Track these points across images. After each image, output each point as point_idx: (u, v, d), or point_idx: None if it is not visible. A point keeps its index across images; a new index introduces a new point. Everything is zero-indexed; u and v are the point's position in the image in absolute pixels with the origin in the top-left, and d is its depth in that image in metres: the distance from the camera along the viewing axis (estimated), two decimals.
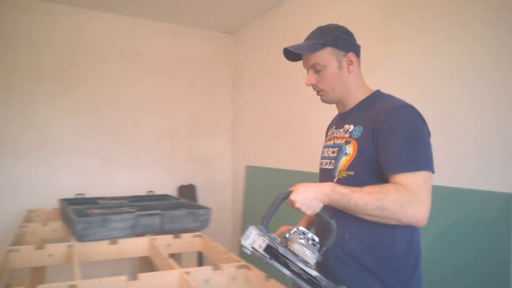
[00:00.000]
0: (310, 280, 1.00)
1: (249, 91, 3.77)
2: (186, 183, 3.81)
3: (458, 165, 1.75)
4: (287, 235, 1.04)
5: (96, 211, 2.14)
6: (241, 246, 1.01)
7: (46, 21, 3.22)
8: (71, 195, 3.16)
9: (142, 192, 3.53)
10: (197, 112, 3.89)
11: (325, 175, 1.28)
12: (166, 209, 2.38)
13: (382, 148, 1.11)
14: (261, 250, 1.01)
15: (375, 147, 1.12)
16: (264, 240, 1.02)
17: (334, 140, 1.30)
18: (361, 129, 1.19)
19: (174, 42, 3.78)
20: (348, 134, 1.23)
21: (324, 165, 1.31)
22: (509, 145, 1.59)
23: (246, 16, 3.54)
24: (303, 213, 1.06)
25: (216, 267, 1.57)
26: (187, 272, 1.50)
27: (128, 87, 3.54)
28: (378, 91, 1.28)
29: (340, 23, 1.30)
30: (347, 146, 1.20)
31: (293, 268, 1.00)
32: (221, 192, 4.03)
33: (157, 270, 1.77)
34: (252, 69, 3.72)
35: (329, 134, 1.39)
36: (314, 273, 0.99)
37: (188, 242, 2.13)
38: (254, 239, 1.02)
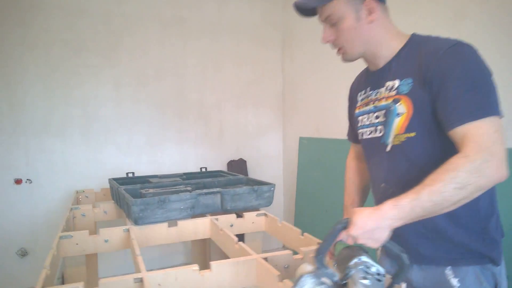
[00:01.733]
0: None
1: (301, 57, 3.44)
2: (235, 157, 3.59)
3: None
4: (347, 271, 0.87)
5: (150, 190, 1.94)
6: None
7: None
8: (118, 173, 3.02)
9: (190, 168, 3.35)
10: (245, 81, 3.62)
11: (373, 146, 1.12)
12: (223, 186, 2.17)
13: (439, 97, 0.93)
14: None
15: (432, 98, 0.95)
16: (319, 282, 0.88)
17: (373, 103, 1.12)
18: (411, 81, 1.00)
19: (218, 5, 3.48)
20: (395, 91, 1.04)
21: (369, 134, 1.14)
22: None
23: None
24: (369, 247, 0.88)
25: (296, 252, 1.33)
26: (265, 258, 1.27)
27: (172, 56, 3.30)
28: (415, 35, 1.07)
29: None
30: (398, 105, 1.01)
31: None
32: (272, 165, 3.78)
33: (224, 255, 1.56)
34: (304, 32, 3.38)
35: (360, 98, 1.20)
36: None
37: (252, 221, 1.91)
38: (308, 282, 0.88)
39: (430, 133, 0.97)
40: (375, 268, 0.87)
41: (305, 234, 1.55)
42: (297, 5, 1.09)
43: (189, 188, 2.02)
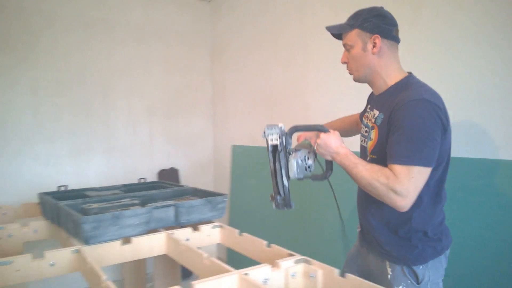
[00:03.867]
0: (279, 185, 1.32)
1: (232, 64, 3.46)
2: (167, 166, 3.46)
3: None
4: (297, 148, 1.36)
5: (94, 205, 1.78)
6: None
7: None
8: (37, 187, 2.71)
9: (118, 179, 3.15)
10: (174, 88, 3.53)
11: (363, 153, 1.43)
12: (170, 198, 2.08)
13: (389, 138, 1.24)
14: (269, 144, 1.29)
15: (388, 136, 1.25)
16: (277, 139, 1.28)
17: (367, 120, 1.42)
18: (383, 117, 1.29)
19: (145, 8, 3.35)
20: (374, 120, 1.34)
21: (362, 142, 1.45)
22: None
23: None
24: (315, 151, 1.35)
25: (274, 265, 1.34)
26: (246, 274, 1.25)
27: (98, 60, 3.08)
28: (409, 76, 1.33)
29: None
30: (372, 131, 1.34)
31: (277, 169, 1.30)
32: (204, 174, 3.73)
33: (193, 273, 1.50)
34: (234, 40, 3.40)
35: (366, 111, 1.47)
36: (286, 182, 1.32)
37: (208, 234, 1.86)
38: (273, 133, 1.29)
39: (384, 160, 1.25)
40: (311, 161, 1.34)
41: (273, 245, 1.55)
42: (328, 29, 1.39)
43: (136, 201, 1.90)
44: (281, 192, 1.34)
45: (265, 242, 1.59)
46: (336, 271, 1.25)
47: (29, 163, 2.79)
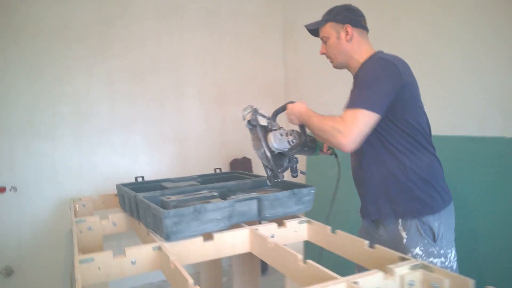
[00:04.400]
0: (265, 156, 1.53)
1: (304, 48, 3.21)
2: (239, 156, 3.33)
3: None
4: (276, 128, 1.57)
5: (172, 198, 1.67)
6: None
7: None
8: (113, 177, 2.72)
9: (191, 169, 3.07)
10: (246, 74, 3.36)
11: None
12: (250, 189, 1.92)
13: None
14: (245, 120, 1.56)
15: None
16: (250, 116, 1.55)
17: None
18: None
19: None
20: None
21: None
22: None
23: None
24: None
25: (387, 271, 1.11)
26: (355, 282, 1.04)
27: (170, 47, 3.01)
28: (377, 51, 1.48)
29: None
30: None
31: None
32: None
33: (284, 275, 1.32)
34: (306, 21, 3.15)
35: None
36: (268, 154, 1.53)
37: (294, 230, 1.67)
38: (246, 112, 1.57)
39: None
40: (292, 137, 1.54)
41: (377, 246, 1.32)
42: (306, 27, 1.59)
43: (215, 193, 1.76)
44: (267, 164, 1.54)
45: (366, 242, 1.35)
46: (470, 282, 1.00)
47: (106, 153, 2.80)
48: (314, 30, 1.58)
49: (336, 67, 1.58)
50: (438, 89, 2.16)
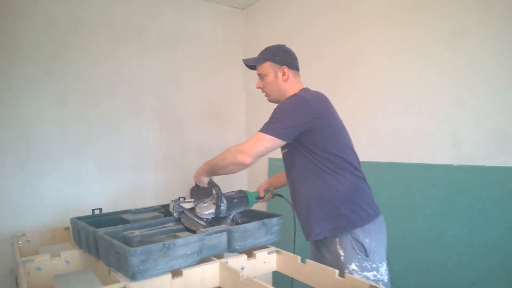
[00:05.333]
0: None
1: None
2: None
3: None
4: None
5: (136, 232, 1.57)
6: None
7: None
8: (65, 209, 2.54)
9: (149, 199, 2.95)
10: (207, 99, 3.33)
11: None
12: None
13: None
14: (174, 213, 1.73)
15: None
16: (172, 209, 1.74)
17: None
18: None
19: (179, 15, 3.18)
20: None
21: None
22: None
23: None
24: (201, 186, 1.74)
25: None
26: None
27: (128, 69, 2.91)
28: (301, 90, 1.65)
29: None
30: None
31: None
32: (237, 187, 3.50)
33: None
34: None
35: None
36: (205, 223, 1.64)
37: (264, 261, 1.63)
38: (171, 208, 1.76)
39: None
40: (213, 202, 1.67)
41: (347, 275, 1.31)
42: (244, 62, 1.76)
43: (181, 226, 1.69)
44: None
45: (336, 271, 1.35)
46: None
47: (54, 182, 2.60)
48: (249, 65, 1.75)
49: (271, 101, 1.74)
50: (395, 120, 2.26)
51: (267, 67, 1.67)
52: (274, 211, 1.79)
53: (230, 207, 1.68)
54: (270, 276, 1.72)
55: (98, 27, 2.78)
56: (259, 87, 1.74)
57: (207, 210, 1.65)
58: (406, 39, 2.19)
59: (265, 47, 1.74)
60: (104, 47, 2.80)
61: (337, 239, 1.53)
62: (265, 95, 1.75)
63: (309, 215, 1.58)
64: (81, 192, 2.70)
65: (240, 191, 1.78)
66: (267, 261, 1.64)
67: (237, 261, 1.55)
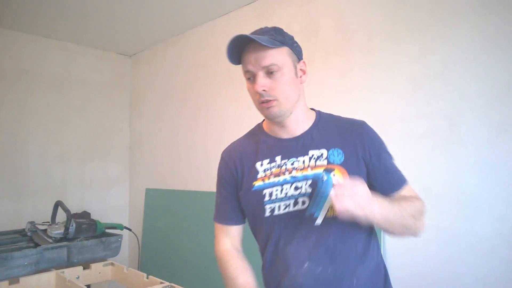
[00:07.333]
0: None
1: (149, 114, 3.73)
2: (79, 210, 3.55)
3: None
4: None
5: None
6: None
7: None
8: None
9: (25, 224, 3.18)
10: (92, 135, 3.69)
11: (294, 221, 1.02)
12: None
13: (378, 167, 1.04)
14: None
15: (367, 169, 1.04)
16: (29, 227, 2.17)
17: (290, 173, 1.04)
18: (341, 152, 1.03)
19: (66, 60, 3.55)
20: (326, 161, 1.02)
21: (284, 208, 1.03)
22: None
23: (144, 40, 3.54)
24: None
25: None
26: None
27: (10, 107, 3.19)
28: (318, 110, 1.14)
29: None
30: (332, 175, 0.92)
31: None
32: (118, 217, 3.84)
33: None
34: (152, 93, 3.69)
35: (263, 169, 1.07)
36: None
37: (99, 272, 2.03)
38: (27, 229, 2.17)
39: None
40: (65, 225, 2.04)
41: (150, 276, 1.78)
42: (233, 44, 0.97)
43: (32, 244, 2.04)
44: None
45: (143, 275, 1.81)
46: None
47: None
48: (237, 49, 1.00)
49: (278, 113, 1.02)
50: None
51: (286, 55, 1.00)
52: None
53: (79, 231, 2.07)
54: (106, 285, 2.12)
55: None
56: (265, 89, 0.99)
57: (57, 230, 2.04)
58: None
59: (265, 26, 1.06)
60: None
61: None
62: (269, 104, 1.00)
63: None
64: None
65: (91, 220, 2.19)
66: (102, 271, 2.04)
67: (73, 271, 1.94)
